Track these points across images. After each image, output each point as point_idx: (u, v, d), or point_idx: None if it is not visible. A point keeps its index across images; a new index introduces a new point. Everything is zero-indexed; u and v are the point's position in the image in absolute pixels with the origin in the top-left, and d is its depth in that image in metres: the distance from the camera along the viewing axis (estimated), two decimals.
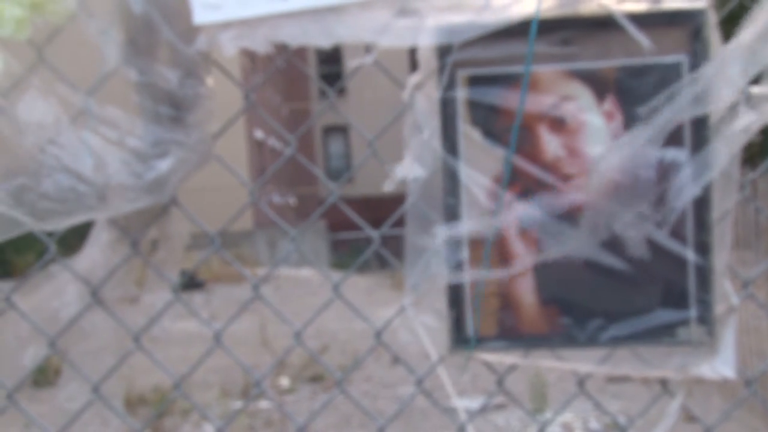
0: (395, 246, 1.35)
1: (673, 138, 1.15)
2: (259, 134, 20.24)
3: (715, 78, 1.10)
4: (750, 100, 1.12)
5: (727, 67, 1.10)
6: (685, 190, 1.14)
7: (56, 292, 1.21)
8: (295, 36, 1.12)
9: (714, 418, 1.36)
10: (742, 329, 5.00)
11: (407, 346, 1.22)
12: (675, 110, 1.12)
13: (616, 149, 1.13)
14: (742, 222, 5.32)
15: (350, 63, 1.22)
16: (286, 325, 1.33)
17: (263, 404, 6.00)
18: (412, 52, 1.15)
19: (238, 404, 6.01)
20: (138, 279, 1.25)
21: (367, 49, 1.15)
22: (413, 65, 1.19)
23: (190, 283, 12.10)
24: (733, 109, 1.13)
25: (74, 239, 1.57)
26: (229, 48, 1.12)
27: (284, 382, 6.77)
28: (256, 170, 19.29)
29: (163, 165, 1.15)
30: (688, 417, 4.66)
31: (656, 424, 1.26)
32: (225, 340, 1.34)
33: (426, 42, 1.13)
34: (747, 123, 1.12)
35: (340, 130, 28.60)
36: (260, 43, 1.12)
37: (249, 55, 17.78)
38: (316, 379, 6.89)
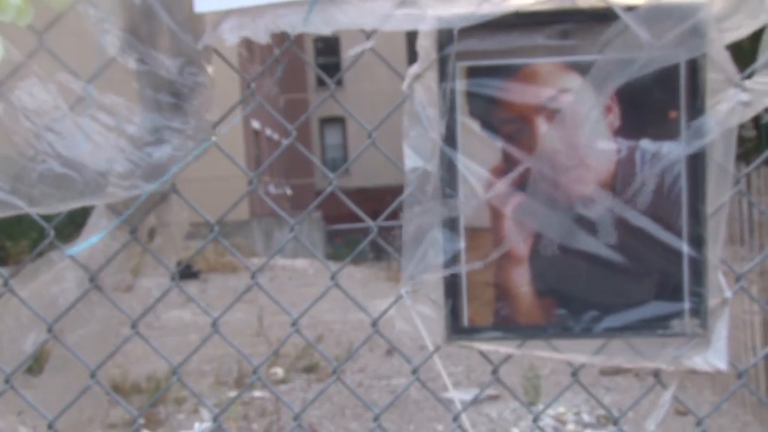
0: (391, 237, 1.36)
1: (667, 131, 1.16)
2: (256, 124, 20.20)
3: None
4: (744, 92, 1.14)
5: None
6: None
7: (55, 278, 1.21)
8: (296, 25, 1.12)
9: (705, 411, 1.37)
10: (735, 324, 5.02)
11: (402, 338, 1.23)
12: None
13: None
14: (737, 218, 5.35)
15: (348, 52, 1.23)
16: (284, 314, 1.34)
17: (257, 393, 6.01)
18: (411, 45, 1.16)
19: (231, 394, 6.02)
20: (136, 266, 1.25)
21: (368, 37, 1.16)
22: (411, 57, 1.20)
23: (186, 272, 12.12)
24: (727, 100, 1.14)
25: (70, 227, 1.57)
26: (230, 37, 1.12)
27: (278, 372, 6.78)
28: (253, 160, 19.27)
29: (160, 152, 1.15)
30: (680, 411, 4.70)
31: (648, 416, 1.27)
32: (221, 330, 1.34)
33: (426, 28, 1.13)
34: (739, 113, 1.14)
35: (336, 121, 28.53)
36: (261, 33, 1.12)
37: (246, 45, 17.72)
38: (309, 369, 6.90)
